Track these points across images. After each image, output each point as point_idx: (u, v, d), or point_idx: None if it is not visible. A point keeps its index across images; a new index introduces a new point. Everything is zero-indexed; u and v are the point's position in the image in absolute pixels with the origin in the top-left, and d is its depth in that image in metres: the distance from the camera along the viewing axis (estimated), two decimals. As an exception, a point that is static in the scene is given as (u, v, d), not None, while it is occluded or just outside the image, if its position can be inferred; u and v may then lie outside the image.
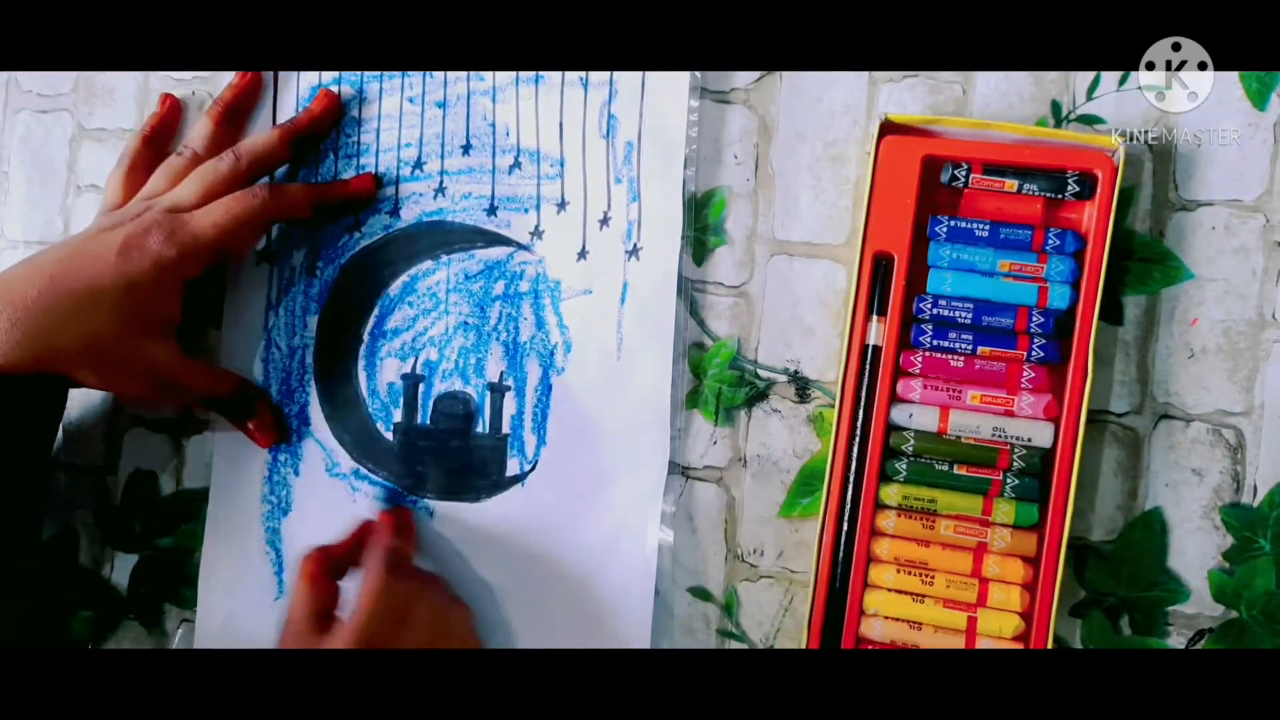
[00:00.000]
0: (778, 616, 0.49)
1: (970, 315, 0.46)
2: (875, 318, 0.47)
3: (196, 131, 0.53)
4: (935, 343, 0.47)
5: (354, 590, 0.46)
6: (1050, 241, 0.46)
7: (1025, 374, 0.46)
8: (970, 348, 0.46)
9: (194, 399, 0.53)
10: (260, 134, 0.52)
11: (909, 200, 0.46)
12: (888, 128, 0.47)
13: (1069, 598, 0.47)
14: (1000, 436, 0.46)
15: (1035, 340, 0.46)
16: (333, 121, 0.53)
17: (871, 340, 0.47)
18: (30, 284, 0.46)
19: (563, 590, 0.50)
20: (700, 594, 0.50)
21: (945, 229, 0.47)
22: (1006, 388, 0.46)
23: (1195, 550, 0.46)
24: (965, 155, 0.46)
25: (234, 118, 0.54)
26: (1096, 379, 0.46)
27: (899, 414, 0.47)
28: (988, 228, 0.46)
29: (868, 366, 0.47)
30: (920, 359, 0.47)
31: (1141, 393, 0.47)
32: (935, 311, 0.47)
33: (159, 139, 0.55)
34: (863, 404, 0.47)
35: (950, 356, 0.46)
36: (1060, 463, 0.45)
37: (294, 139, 0.52)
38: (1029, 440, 0.46)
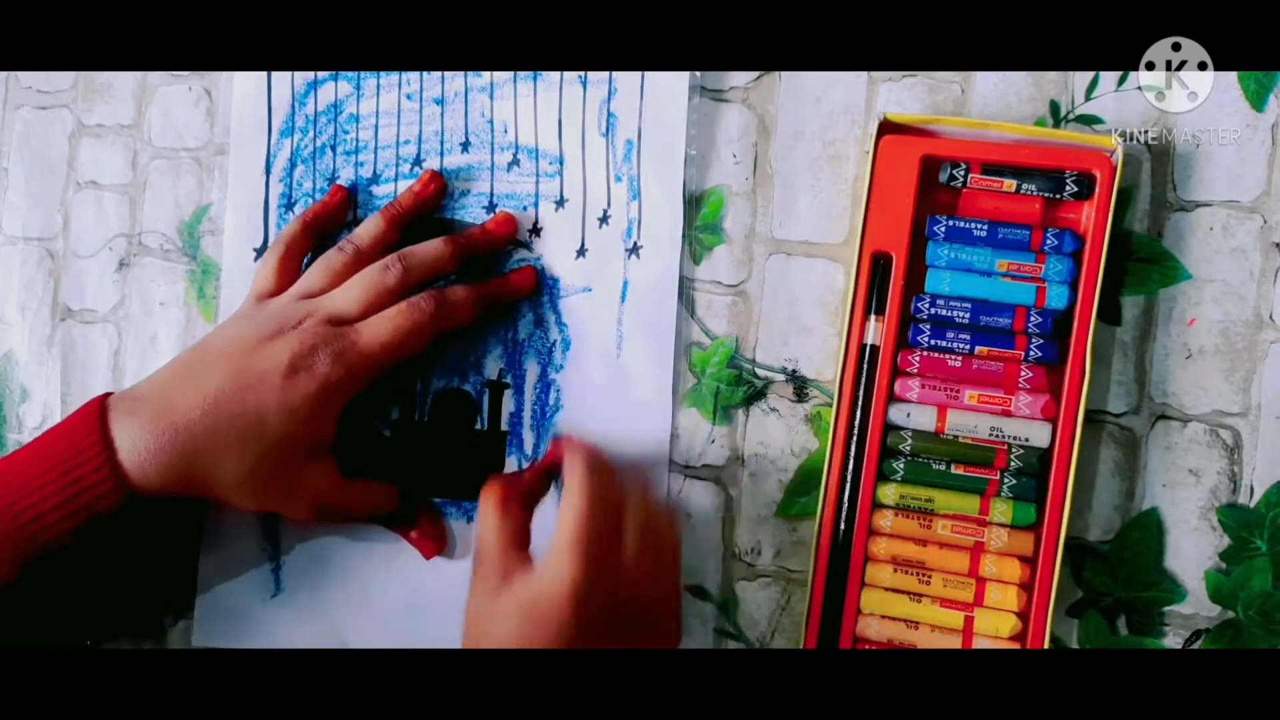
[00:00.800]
0: (775, 616, 0.49)
1: (968, 315, 0.46)
2: (873, 317, 0.47)
3: (365, 229, 0.50)
4: (933, 342, 0.47)
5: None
6: (1048, 241, 0.46)
7: (1023, 374, 0.46)
8: (968, 347, 0.46)
9: (355, 519, 0.50)
10: (429, 244, 0.49)
11: (908, 200, 0.46)
12: (886, 127, 0.47)
13: (1066, 598, 0.47)
14: (998, 436, 0.46)
15: (1033, 340, 0.46)
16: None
17: (869, 340, 0.47)
18: (193, 404, 0.44)
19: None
20: (698, 593, 0.50)
21: (944, 229, 0.47)
22: (1004, 387, 0.46)
23: (1192, 550, 0.47)
24: (964, 155, 0.46)
25: (407, 223, 0.51)
26: (1094, 379, 0.46)
27: (896, 413, 0.47)
28: (986, 227, 0.46)
29: (865, 366, 0.47)
30: (918, 358, 0.47)
31: (1139, 393, 0.47)
32: (933, 311, 0.47)
33: (320, 227, 0.52)
34: (860, 403, 0.47)
35: (948, 356, 0.46)
36: (1058, 463, 0.45)
37: (464, 253, 0.50)
38: (1026, 440, 0.46)
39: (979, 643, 0.46)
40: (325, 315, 0.47)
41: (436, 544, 0.51)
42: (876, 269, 0.47)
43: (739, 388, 0.50)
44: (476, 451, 0.51)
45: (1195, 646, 0.46)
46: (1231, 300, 0.46)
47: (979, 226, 0.46)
